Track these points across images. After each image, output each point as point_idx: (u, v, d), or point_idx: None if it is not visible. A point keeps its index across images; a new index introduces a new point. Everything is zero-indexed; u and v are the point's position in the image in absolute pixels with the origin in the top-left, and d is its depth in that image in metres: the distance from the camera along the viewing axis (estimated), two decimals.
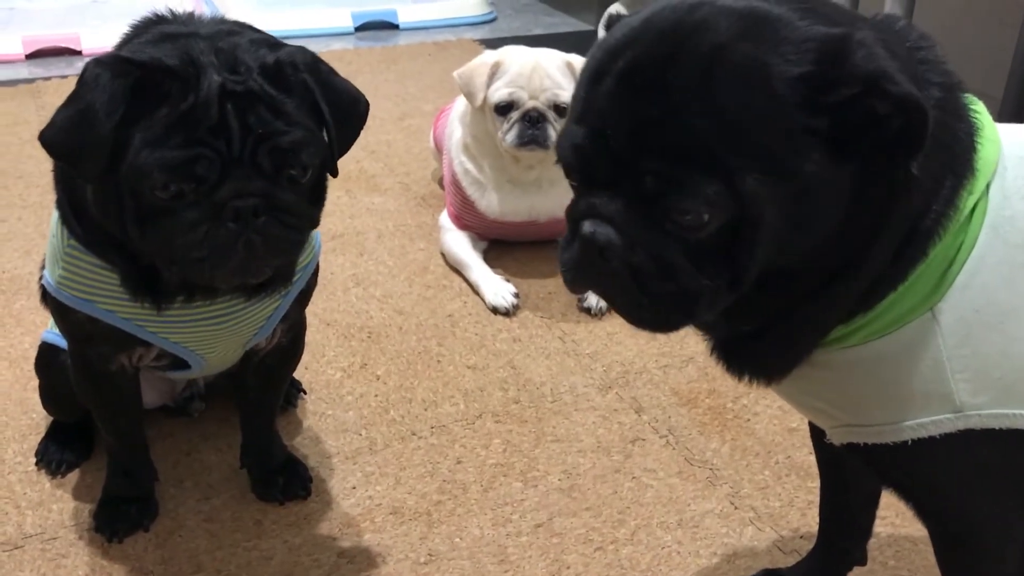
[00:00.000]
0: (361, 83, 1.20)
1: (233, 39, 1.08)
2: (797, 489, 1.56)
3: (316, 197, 1.17)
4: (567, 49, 2.18)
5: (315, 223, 1.18)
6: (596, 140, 0.78)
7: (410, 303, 2.07)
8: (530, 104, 2.08)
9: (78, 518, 1.45)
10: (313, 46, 1.28)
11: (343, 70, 1.18)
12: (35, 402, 1.61)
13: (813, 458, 1.62)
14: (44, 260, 1.31)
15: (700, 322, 0.90)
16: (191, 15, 1.13)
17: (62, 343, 1.40)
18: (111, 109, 1.01)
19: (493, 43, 3.97)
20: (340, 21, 4.06)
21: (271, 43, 1.11)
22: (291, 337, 1.40)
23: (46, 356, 1.49)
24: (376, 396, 1.77)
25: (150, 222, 1.07)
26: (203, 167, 1.03)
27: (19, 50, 3.61)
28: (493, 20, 4.38)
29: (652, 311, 0.82)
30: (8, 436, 1.62)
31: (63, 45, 3.69)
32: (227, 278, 1.13)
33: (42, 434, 1.60)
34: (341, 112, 1.13)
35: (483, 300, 2.08)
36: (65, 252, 1.20)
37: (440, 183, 2.61)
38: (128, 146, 1.02)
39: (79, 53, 3.67)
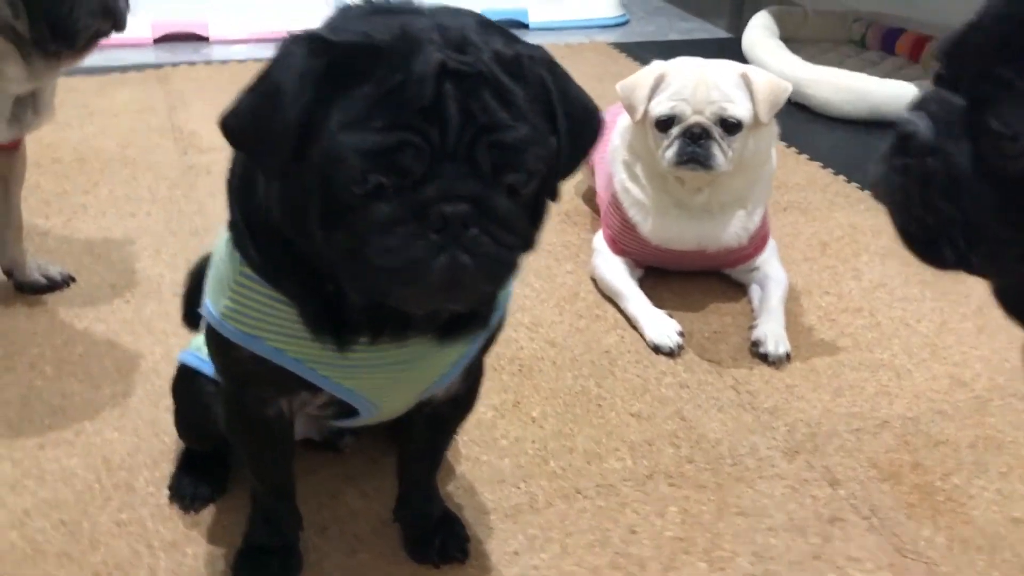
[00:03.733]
0: None
1: (461, 19, 0.90)
2: None
3: (534, 216, 0.97)
4: (705, 57, 1.96)
5: (531, 246, 0.97)
6: None
7: (562, 334, 1.89)
8: (693, 119, 1.86)
9: (214, 566, 1.31)
10: None
11: None
12: (167, 423, 1.47)
13: None
14: (205, 286, 1.16)
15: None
16: None
17: (203, 367, 1.26)
18: (299, 92, 0.85)
19: (627, 47, 3.77)
20: None
21: (505, 32, 0.93)
22: (467, 385, 1.23)
23: (185, 380, 1.34)
24: (533, 442, 1.58)
25: (339, 223, 0.88)
26: (409, 156, 0.84)
27: (148, 34, 3.54)
28: (625, 23, 4.18)
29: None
30: (140, 461, 1.49)
31: (191, 31, 3.61)
32: (422, 302, 0.94)
33: (174, 459, 1.46)
34: (575, 122, 0.94)
35: (643, 336, 1.88)
36: (236, 281, 1.04)
37: (583, 198, 2.43)
38: (322, 129, 0.85)
39: (206, 40, 3.58)
